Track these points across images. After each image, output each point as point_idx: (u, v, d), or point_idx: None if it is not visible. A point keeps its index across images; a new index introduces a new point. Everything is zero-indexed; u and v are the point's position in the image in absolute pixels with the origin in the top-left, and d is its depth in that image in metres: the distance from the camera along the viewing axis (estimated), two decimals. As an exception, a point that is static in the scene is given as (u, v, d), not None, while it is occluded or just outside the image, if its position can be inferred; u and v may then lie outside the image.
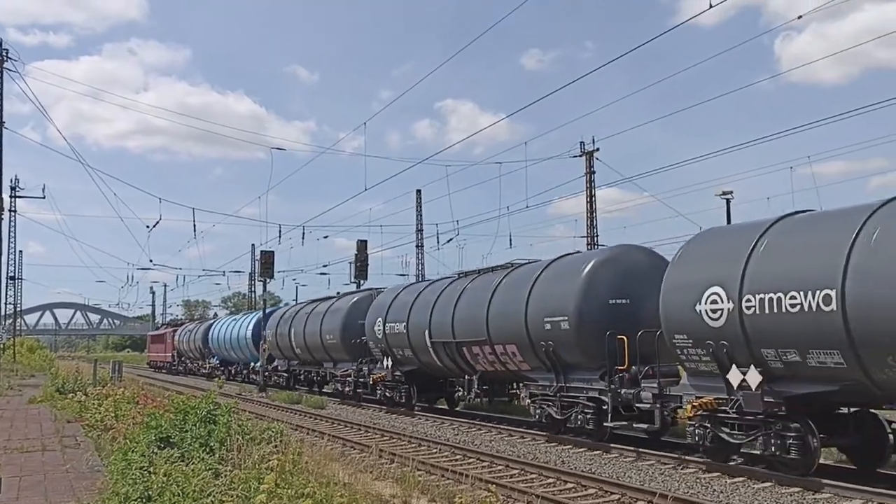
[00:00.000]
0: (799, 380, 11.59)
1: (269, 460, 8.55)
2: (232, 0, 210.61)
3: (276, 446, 10.38)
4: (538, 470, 13.28)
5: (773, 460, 12.13)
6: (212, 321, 57.49)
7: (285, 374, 35.80)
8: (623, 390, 15.03)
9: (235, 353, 45.01)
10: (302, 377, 34.53)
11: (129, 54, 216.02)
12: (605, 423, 15.54)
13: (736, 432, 12.55)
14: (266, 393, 34.09)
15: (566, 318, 16.05)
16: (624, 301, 15.78)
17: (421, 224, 59.77)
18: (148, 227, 38.89)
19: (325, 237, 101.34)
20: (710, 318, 12.50)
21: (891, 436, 12.24)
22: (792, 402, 11.71)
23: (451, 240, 50.99)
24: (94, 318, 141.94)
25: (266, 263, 39.04)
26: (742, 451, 12.66)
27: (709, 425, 12.92)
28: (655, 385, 14.35)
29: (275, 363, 36.89)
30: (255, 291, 74.91)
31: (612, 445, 15.35)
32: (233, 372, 45.92)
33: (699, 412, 12.92)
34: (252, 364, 41.57)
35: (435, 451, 16.21)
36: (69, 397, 20.60)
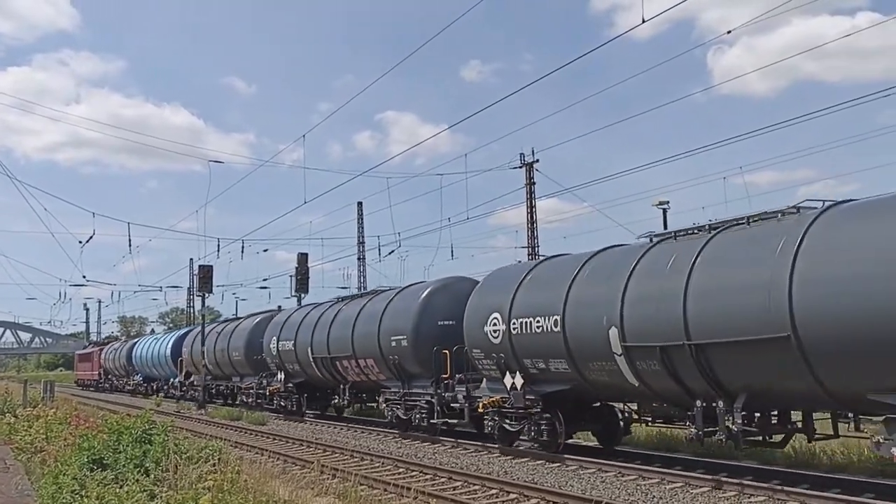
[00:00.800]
0: (548, 382, 15.44)
1: (207, 480, 8.37)
2: (167, 11, 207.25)
3: (214, 465, 10.17)
4: (481, 482, 13.29)
5: (535, 442, 15.99)
6: (136, 340, 59.67)
7: (200, 388, 38.29)
8: (446, 394, 18.73)
9: (157, 370, 47.95)
10: (214, 391, 37.83)
11: (60, 65, 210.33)
12: (432, 421, 19.32)
13: (513, 423, 16.35)
14: (205, 410, 33.48)
15: (405, 336, 19.77)
16: (451, 322, 19.03)
17: (362, 236, 59.40)
18: (80, 242, 37.73)
19: (265, 251, 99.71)
20: (492, 336, 16.44)
21: (622, 423, 16.17)
22: (545, 398, 15.50)
23: (392, 252, 50.60)
24: (25, 336, 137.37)
25: (204, 278, 38.37)
26: (521, 437, 16.44)
27: (497, 418, 16.70)
28: (464, 389, 18.01)
29: (191, 378, 39.63)
30: (193, 307, 73.63)
31: (441, 438, 19.19)
32: (155, 388, 48.04)
33: (490, 408, 16.72)
34: (171, 380, 44.23)
35: (378, 464, 16.10)
36: (-2, 419, 19.92)
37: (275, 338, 28.28)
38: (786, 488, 11.20)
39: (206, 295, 39.49)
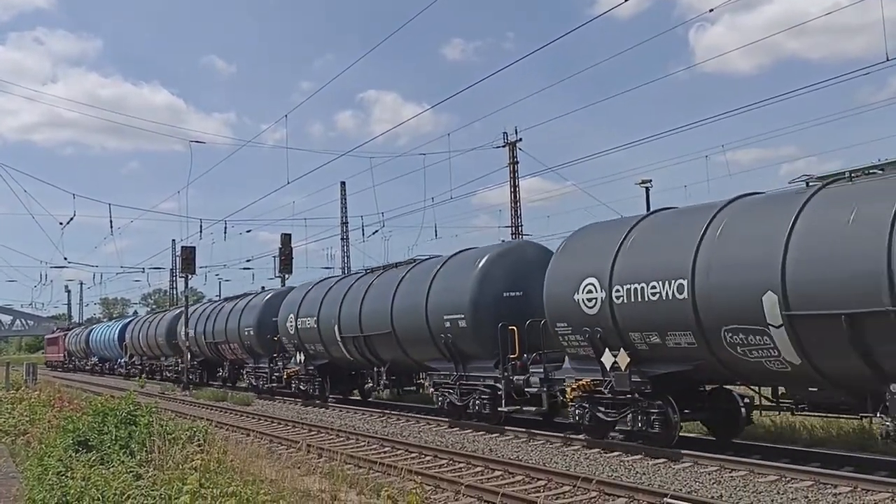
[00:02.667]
0: (320, 357, 24.30)
1: (193, 460, 8.37)
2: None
3: (199, 445, 10.18)
4: (466, 459, 13.39)
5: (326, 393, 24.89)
6: (92, 327, 68.05)
7: (139, 367, 47.16)
8: (273, 366, 27.98)
9: (108, 352, 55.98)
10: (148, 368, 46.10)
11: (36, 44, 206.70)
12: (268, 385, 28.48)
13: (309, 385, 25.08)
14: (190, 391, 33.45)
15: (252, 328, 29.23)
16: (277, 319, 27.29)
17: (346, 216, 59.32)
18: (61, 223, 37.39)
19: (248, 231, 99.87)
20: (289, 332, 25.62)
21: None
22: (320, 368, 24.33)
23: (376, 232, 50.23)
24: (6, 318, 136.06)
25: (187, 259, 38.14)
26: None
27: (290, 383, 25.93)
28: (280, 363, 27.46)
29: (133, 358, 48.47)
30: (176, 288, 73.30)
31: (276, 397, 28.36)
32: (107, 367, 56.96)
33: (292, 377, 25.75)
34: (118, 360, 52.87)
35: (363, 443, 16.18)
36: (-20, 402, 19.78)
37: (183, 328, 37.23)
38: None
39: (189, 276, 39.34)
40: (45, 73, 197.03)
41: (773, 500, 9.66)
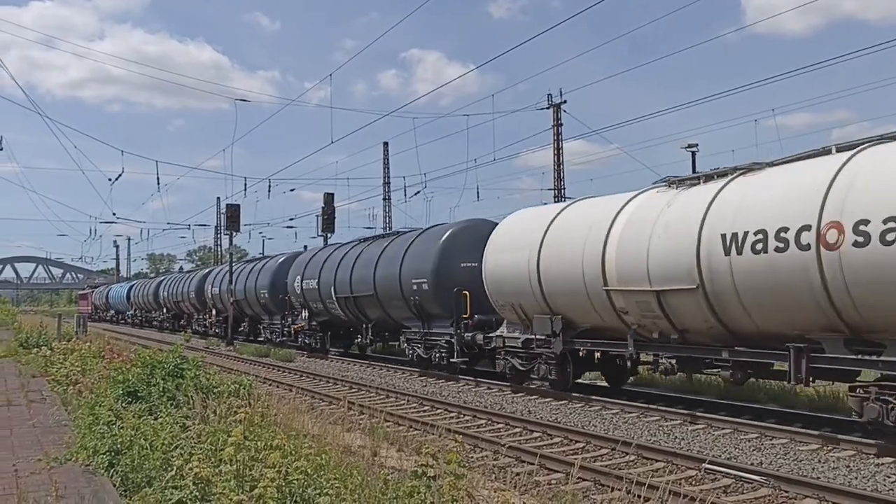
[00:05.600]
0: (321, 315, 28.45)
1: (237, 413, 8.53)
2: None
3: (243, 399, 10.37)
4: (505, 420, 13.48)
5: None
6: (110, 287, 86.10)
7: (140, 319, 63.27)
8: (284, 322, 32.05)
9: (120, 306, 73.19)
10: (145, 319, 61.57)
11: (84, 0, 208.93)
12: (279, 339, 32.59)
13: (312, 339, 29.50)
14: (233, 346, 34.09)
15: (266, 288, 34.46)
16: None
17: (388, 177, 59.48)
18: (110, 179, 38.40)
19: (292, 190, 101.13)
20: (296, 291, 30.35)
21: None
22: (321, 324, 28.64)
23: (418, 192, 50.78)
24: (57, 271, 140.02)
25: (232, 217, 38.69)
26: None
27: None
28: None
29: (136, 311, 64.09)
30: (220, 245, 74.46)
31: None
32: (120, 318, 73.46)
33: (298, 332, 30.15)
34: (127, 312, 68.65)
35: (403, 402, 16.37)
36: (34, 352, 20.34)
37: (163, 290, 53.49)
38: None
39: (234, 233, 39.91)
40: (93, 30, 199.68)
41: (814, 469, 9.59)
